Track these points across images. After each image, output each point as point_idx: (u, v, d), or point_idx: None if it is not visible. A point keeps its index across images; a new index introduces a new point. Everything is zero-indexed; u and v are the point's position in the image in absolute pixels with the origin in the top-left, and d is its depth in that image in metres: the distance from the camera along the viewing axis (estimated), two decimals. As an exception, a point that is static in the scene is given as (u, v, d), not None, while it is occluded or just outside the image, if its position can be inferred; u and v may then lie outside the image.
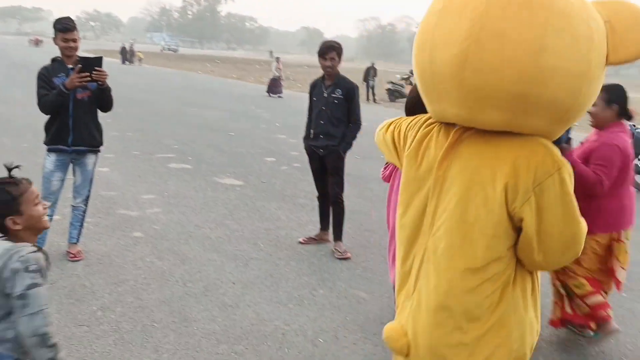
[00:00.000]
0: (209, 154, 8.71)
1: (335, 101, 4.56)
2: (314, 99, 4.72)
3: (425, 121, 1.72)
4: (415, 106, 2.15)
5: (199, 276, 4.06)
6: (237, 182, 7.01)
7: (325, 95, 4.60)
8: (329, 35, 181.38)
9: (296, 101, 18.58)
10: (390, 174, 2.29)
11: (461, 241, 1.53)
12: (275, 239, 4.97)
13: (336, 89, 4.56)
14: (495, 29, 1.40)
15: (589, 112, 3.13)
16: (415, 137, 1.69)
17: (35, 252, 1.82)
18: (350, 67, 33.40)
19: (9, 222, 1.83)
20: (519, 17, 1.38)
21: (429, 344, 1.59)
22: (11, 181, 1.87)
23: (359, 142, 4.91)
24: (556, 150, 1.48)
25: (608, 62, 1.50)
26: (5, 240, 1.84)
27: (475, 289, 1.53)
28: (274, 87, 20.99)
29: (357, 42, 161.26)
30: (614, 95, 3.19)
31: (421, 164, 1.64)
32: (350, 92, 4.57)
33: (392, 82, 23.22)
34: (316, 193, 4.91)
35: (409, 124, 1.78)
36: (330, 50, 4.48)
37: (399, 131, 1.82)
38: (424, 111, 1.74)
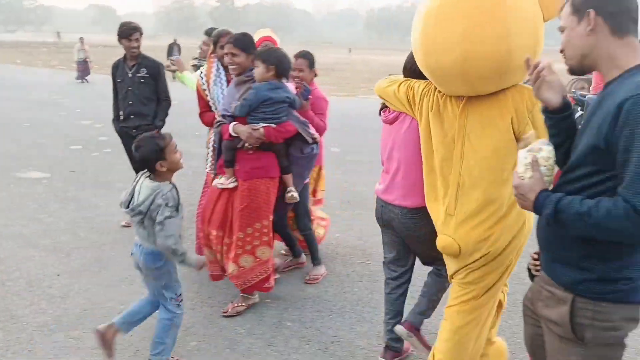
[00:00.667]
0: (3, 149, 7.92)
1: (142, 80, 4.60)
2: (118, 80, 4.69)
3: (436, 89, 2.35)
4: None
5: (18, 274, 3.88)
6: (43, 175, 6.58)
7: (130, 75, 4.61)
8: (123, 12, 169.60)
9: (97, 85, 17.40)
10: (396, 118, 2.59)
11: (487, 163, 2.20)
12: (96, 226, 4.88)
13: (140, 68, 4.60)
14: (478, 33, 2.02)
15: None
16: (433, 101, 2.34)
17: (171, 190, 2.55)
18: (151, 45, 31.81)
19: (157, 165, 2.53)
20: (490, 22, 2.02)
21: (468, 243, 2.26)
22: (159, 136, 2.60)
23: (171, 120, 5.00)
24: (529, 88, 2.02)
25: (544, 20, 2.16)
26: (151, 179, 2.58)
27: (498, 199, 2.22)
28: (83, 71, 18.97)
29: (155, 18, 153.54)
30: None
31: (444, 119, 2.29)
32: (155, 70, 4.65)
33: (197, 58, 22.80)
34: (134, 175, 4.88)
35: (423, 90, 2.40)
36: (134, 32, 4.53)
37: (413, 93, 2.43)
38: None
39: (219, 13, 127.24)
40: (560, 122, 1.68)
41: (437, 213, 2.38)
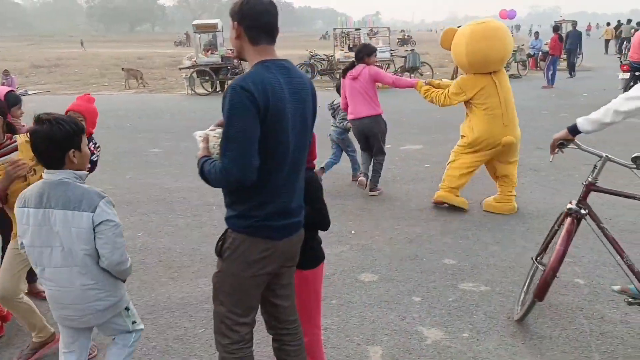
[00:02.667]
0: None
1: None
2: None
3: (477, 77, 5.09)
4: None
5: None
6: None
7: None
8: None
9: None
10: (354, 78, 5.75)
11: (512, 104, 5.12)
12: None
13: None
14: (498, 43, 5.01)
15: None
16: (477, 85, 5.06)
17: None
18: None
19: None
20: (500, 38, 5.03)
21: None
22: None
23: None
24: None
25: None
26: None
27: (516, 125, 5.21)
28: None
29: None
30: None
31: (488, 89, 5.02)
32: None
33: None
34: None
35: (468, 85, 5.13)
36: None
37: (466, 93, 5.11)
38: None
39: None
40: None
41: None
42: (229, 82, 18.18)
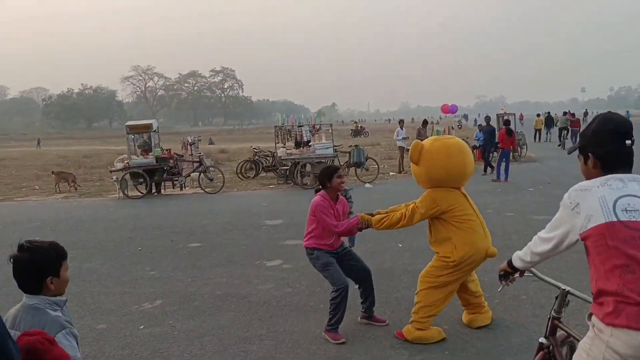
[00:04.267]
0: None
1: None
2: None
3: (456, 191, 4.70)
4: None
5: None
6: None
7: None
8: None
9: None
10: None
11: None
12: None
13: None
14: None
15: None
16: (449, 197, 4.61)
17: None
18: None
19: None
20: (469, 153, 4.86)
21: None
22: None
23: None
24: None
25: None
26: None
27: None
28: None
29: None
30: None
31: (460, 200, 4.66)
32: None
33: None
34: None
35: (442, 198, 4.58)
36: None
37: (440, 206, 4.56)
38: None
39: None
40: None
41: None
42: (166, 182, 17.81)
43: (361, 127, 53.68)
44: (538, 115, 35.80)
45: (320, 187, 5.06)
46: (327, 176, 4.96)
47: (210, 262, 7.85)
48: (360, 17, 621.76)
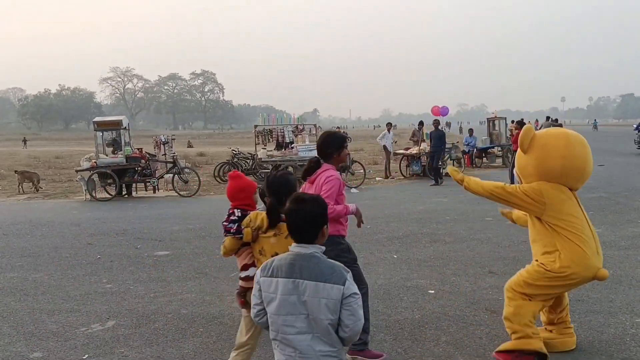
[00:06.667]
0: None
1: None
2: None
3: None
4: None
5: None
6: None
7: None
8: None
9: None
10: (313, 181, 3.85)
11: None
12: None
13: None
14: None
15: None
16: (560, 197, 3.82)
17: None
18: None
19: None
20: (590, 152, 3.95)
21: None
22: None
23: None
24: None
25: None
26: None
27: None
28: None
29: None
30: None
31: (571, 205, 3.83)
32: None
33: None
34: None
35: (552, 195, 3.79)
36: None
37: (546, 204, 3.78)
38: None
39: None
40: None
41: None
42: (138, 184, 16.67)
43: (344, 132, 53.00)
44: (512, 121, 35.29)
45: (321, 159, 3.98)
46: (335, 145, 3.93)
47: (177, 274, 6.80)
48: (343, 24, 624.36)
